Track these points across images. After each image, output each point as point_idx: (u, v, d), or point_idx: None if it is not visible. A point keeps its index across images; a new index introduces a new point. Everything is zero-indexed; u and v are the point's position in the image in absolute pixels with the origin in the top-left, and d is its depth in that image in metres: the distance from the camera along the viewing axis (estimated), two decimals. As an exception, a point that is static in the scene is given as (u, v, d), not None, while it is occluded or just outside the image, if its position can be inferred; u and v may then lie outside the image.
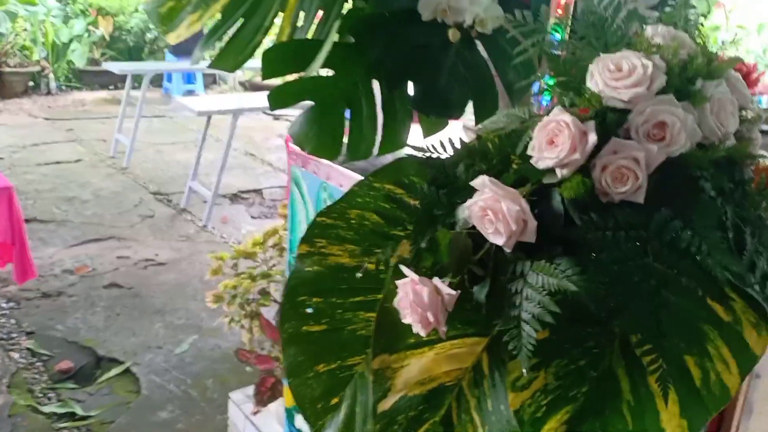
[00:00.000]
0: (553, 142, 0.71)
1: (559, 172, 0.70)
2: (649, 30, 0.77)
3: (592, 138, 0.68)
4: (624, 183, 0.68)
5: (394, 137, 1.17)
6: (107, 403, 2.48)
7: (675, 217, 0.68)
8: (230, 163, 5.01)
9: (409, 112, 1.18)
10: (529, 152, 0.72)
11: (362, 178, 0.81)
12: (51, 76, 8.69)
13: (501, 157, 0.75)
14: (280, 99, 1.15)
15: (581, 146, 0.69)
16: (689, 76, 0.72)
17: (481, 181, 0.68)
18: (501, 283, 0.69)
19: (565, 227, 0.68)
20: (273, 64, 1.12)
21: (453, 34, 1.11)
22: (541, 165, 0.71)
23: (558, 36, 0.93)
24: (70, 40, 8.93)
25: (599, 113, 0.72)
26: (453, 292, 0.67)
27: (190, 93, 8.63)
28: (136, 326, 3.02)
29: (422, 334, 0.68)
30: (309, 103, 1.17)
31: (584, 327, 0.68)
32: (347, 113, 1.17)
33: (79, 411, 2.39)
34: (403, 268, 0.69)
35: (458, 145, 0.76)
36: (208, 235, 4.30)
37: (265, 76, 1.13)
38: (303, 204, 1.41)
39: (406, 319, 0.68)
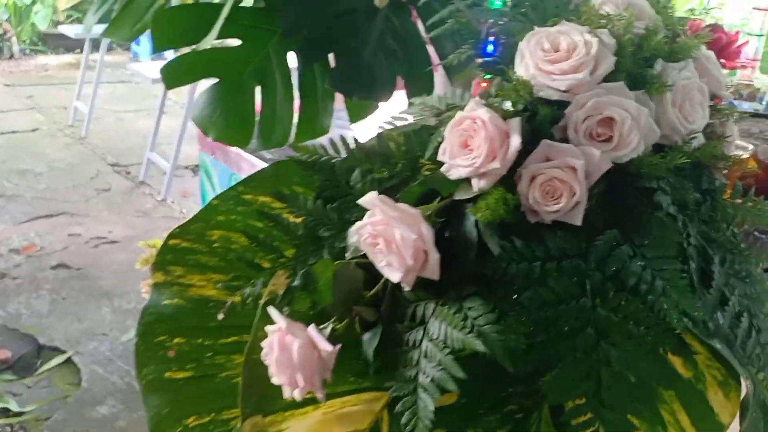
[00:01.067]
0: (468, 145, 0.54)
1: (476, 184, 0.54)
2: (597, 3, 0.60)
3: (515, 141, 0.52)
4: (557, 199, 0.52)
5: (314, 121, 0.99)
6: (45, 396, 2.32)
7: (622, 243, 0.53)
8: (192, 132, 4.79)
9: (332, 91, 1.00)
10: (440, 157, 0.56)
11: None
12: (14, 39, 8.32)
13: (407, 161, 0.59)
14: (175, 75, 0.97)
15: (502, 151, 0.53)
16: (646, 56, 0.56)
17: (369, 199, 0.52)
18: (397, 332, 0.53)
19: (479, 258, 0.52)
20: (166, 32, 0.94)
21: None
22: (454, 174, 0.54)
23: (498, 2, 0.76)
24: (33, 2, 8.53)
25: (529, 107, 0.55)
26: (330, 348, 0.51)
27: (159, 57, 8.30)
28: (82, 311, 2.85)
29: (296, 398, 0.52)
30: (212, 80, 0.99)
31: (504, 386, 0.53)
32: (259, 92, 0.99)
33: (13, 407, 2.23)
34: (272, 311, 0.53)
35: (354, 145, 0.59)
36: (166, 209, 4.10)
37: (157, 47, 0.95)
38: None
39: (275, 379, 0.52)
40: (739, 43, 1.16)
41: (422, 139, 0.59)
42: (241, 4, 0.97)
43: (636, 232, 0.53)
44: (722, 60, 1.17)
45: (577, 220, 0.52)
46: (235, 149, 1.12)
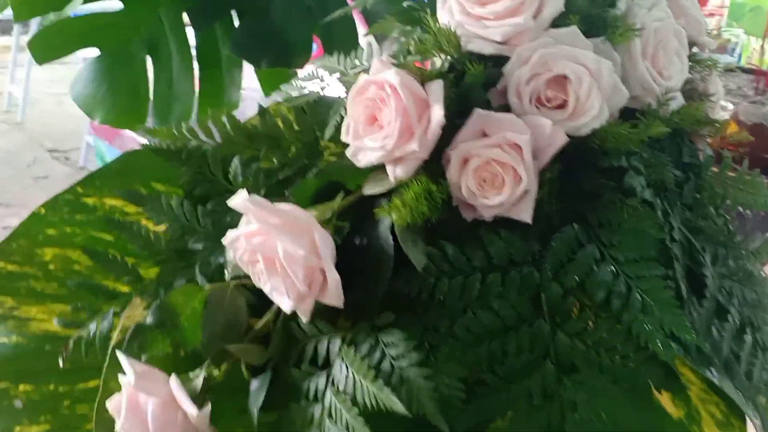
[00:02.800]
0: (376, 119, 0.40)
1: (391, 173, 0.40)
2: None
3: (437, 113, 0.38)
4: (499, 188, 0.39)
5: (219, 95, 0.84)
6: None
7: (586, 243, 0.40)
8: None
9: (240, 59, 0.85)
10: (344, 137, 0.41)
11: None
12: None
13: (303, 144, 0.44)
14: (46, 48, 0.80)
15: (421, 127, 0.39)
16: (607, -9, 0.42)
17: (238, 201, 0.38)
18: (293, 379, 0.39)
19: (398, 274, 0.39)
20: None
21: (286, -56, 0.78)
22: (362, 160, 0.40)
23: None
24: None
25: (455, 65, 0.41)
26: (197, 413, 0.37)
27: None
28: (15, 310, 2.65)
29: (159, 475, 0.38)
30: (93, 52, 0.82)
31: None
32: (151, 64, 0.83)
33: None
34: (121, 357, 0.38)
35: (230, 125, 0.45)
36: (107, 195, 3.88)
37: (17, 16, 0.78)
38: (115, 190, 1.08)
39: (130, 452, 0.38)
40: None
41: (320, 114, 0.44)
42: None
43: (603, 227, 0.40)
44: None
45: (526, 215, 0.39)
46: (130, 132, 0.95)
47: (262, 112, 0.44)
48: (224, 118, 0.44)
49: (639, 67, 0.42)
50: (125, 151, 0.47)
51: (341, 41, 0.81)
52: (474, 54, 0.41)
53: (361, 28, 0.81)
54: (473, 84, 0.40)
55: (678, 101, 0.44)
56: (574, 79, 0.39)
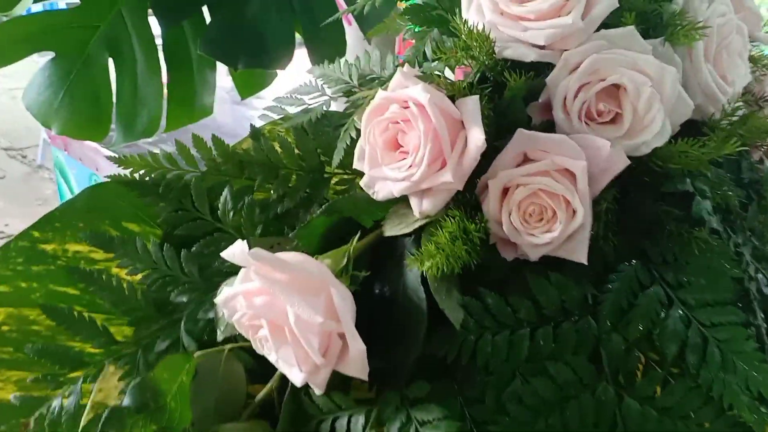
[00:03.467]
0: (398, 143, 0.33)
1: (417, 207, 0.33)
2: None
3: (476, 138, 0.31)
4: (548, 223, 0.32)
5: (190, 100, 0.76)
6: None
7: (649, 285, 0.33)
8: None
9: (212, 60, 0.76)
10: (356, 164, 0.34)
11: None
12: None
13: (305, 172, 0.37)
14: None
15: (455, 154, 0.32)
16: (662, -16, 0.36)
17: (238, 254, 0.30)
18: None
19: (431, 332, 0.32)
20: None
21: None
22: (380, 192, 0.33)
23: None
24: None
25: (489, 75, 0.34)
26: None
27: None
28: (-25, 321, 2.52)
29: None
30: (48, 56, 0.73)
31: None
32: (113, 66, 0.75)
33: None
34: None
35: (219, 151, 0.37)
36: (68, 194, 3.74)
37: (-44, 16, 0.68)
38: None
39: None
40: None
41: (325, 135, 0.37)
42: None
43: (667, 264, 0.34)
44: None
45: (581, 254, 0.32)
46: (91, 143, 0.87)
47: (256, 134, 0.37)
48: (210, 143, 0.36)
49: (702, 71, 0.35)
50: (90, 185, 0.39)
51: (327, 39, 0.73)
52: (511, 61, 0.34)
53: (348, 29, 0.74)
54: (513, 99, 0.33)
55: (739, 109, 0.38)
56: (631, 89, 0.33)
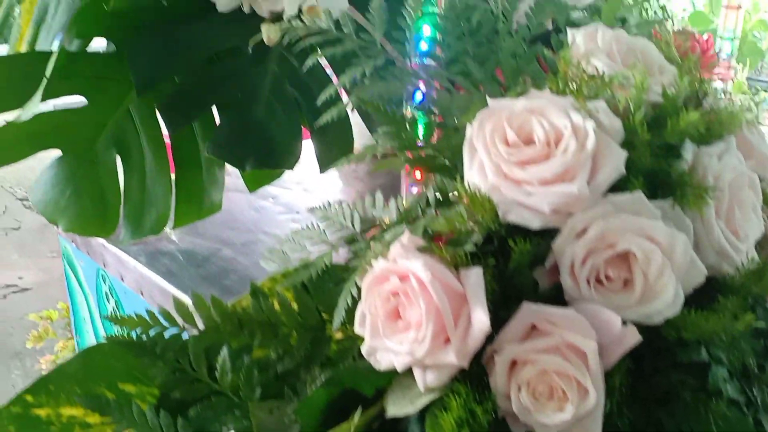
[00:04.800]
0: (399, 315, 0.32)
1: (421, 380, 0.32)
2: (578, 38, 0.39)
3: (480, 319, 0.30)
4: (559, 403, 0.31)
5: (199, 196, 0.76)
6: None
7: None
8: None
9: (220, 155, 0.76)
10: (358, 328, 0.33)
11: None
12: None
13: (304, 330, 0.36)
14: (2, 151, 0.71)
15: (459, 332, 0.31)
16: (671, 140, 0.35)
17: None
18: None
19: None
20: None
21: (269, 33, 0.70)
22: (382, 362, 0.32)
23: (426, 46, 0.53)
24: None
25: (490, 240, 0.33)
26: None
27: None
28: (-14, 377, 2.51)
29: None
30: (54, 153, 0.74)
31: None
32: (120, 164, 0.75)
33: None
34: None
35: (217, 311, 0.36)
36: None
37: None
38: (83, 294, 0.98)
39: None
40: (713, 50, 0.98)
41: (326, 292, 0.36)
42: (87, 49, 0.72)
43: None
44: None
45: (592, 433, 0.31)
46: (100, 239, 0.87)
47: (255, 292, 0.36)
48: (209, 302, 0.35)
49: (714, 231, 0.34)
50: (85, 347, 0.38)
51: (333, 136, 0.73)
52: (514, 226, 0.33)
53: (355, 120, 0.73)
54: (518, 266, 0.32)
55: (753, 260, 0.36)
56: (641, 257, 0.32)
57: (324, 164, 0.73)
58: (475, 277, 0.31)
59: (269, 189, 0.87)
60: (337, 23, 0.44)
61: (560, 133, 0.33)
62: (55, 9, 0.81)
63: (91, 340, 1.08)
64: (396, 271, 0.31)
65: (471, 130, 0.35)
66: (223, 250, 0.78)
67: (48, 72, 0.63)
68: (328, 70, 0.76)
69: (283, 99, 0.71)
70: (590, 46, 0.37)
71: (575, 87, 0.35)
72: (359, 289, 0.34)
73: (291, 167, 0.72)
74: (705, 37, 0.99)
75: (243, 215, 0.81)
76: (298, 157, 0.72)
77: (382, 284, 0.32)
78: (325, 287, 0.36)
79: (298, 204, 0.87)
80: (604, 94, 0.34)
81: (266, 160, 0.71)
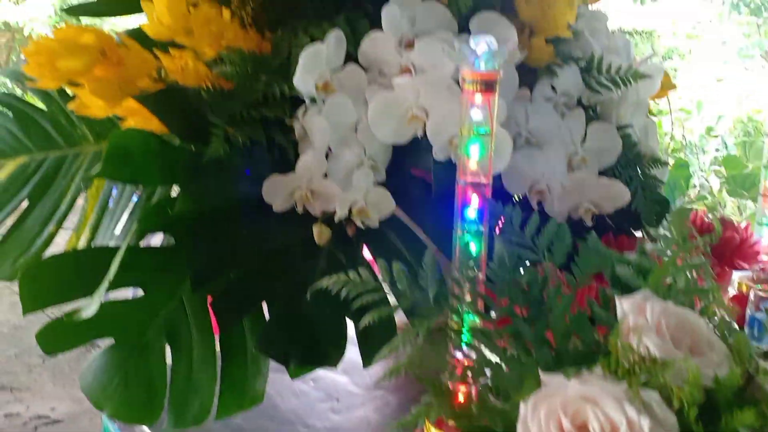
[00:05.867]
0: None
1: None
2: (626, 308, 0.39)
3: None
4: None
5: (243, 386, 0.76)
6: None
7: None
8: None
9: (266, 345, 0.78)
10: None
11: None
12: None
13: None
14: (56, 340, 0.74)
15: None
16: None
17: None
18: None
19: None
20: (39, 288, 0.72)
21: (320, 233, 0.73)
22: None
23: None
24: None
25: None
26: None
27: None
28: None
29: None
30: (107, 341, 0.76)
31: None
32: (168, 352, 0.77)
33: None
34: None
35: None
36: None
37: (26, 309, 0.73)
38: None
39: None
40: (753, 240, 0.98)
41: None
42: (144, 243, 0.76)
43: None
44: (738, 262, 0.99)
45: None
46: (144, 427, 0.87)
47: None
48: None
49: None
50: None
51: (379, 334, 0.74)
52: None
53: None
54: None
55: None
56: None
57: (367, 360, 0.74)
58: None
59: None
60: (391, 277, 0.46)
61: (616, 428, 0.33)
62: (119, 197, 0.87)
63: None
64: None
65: (525, 411, 0.35)
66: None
67: (114, 267, 0.66)
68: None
69: (330, 296, 0.73)
70: (639, 320, 0.38)
71: (628, 367, 0.35)
72: None
73: (335, 365, 0.72)
74: (743, 224, 1.00)
75: (283, 402, 0.81)
76: (342, 355, 0.73)
77: None
78: None
79: (338, 389, 0.87)
80: (657, 382, 0.35)
81: (311, 359, 0.72)
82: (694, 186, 3.19)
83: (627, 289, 0.44)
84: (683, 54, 4.90)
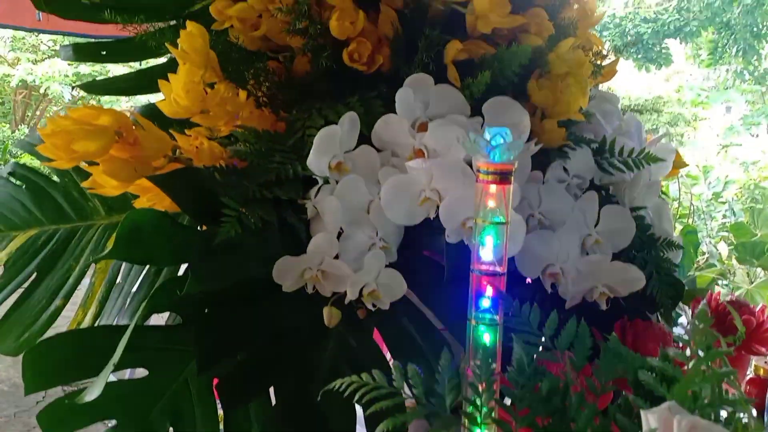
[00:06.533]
0: None
1: None
2: (652, 422, 0.38)
3: None
4: None
5: (245, 473, 0.73)
6: None
7: None
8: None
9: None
10: None
11: None
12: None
13: None
14: (57, 422, 0.72)
15: None
16: None
17: None
18: None
19: None
20: (43, 369, 0.71)
21: (330, 315, 0.72)
22: None
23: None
24: None
25: None
26: None
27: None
28: None
29: None
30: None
31: None
32: None
33: None
34: None
35: None
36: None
37: (29, 390, 0.71)
38: None
39: None
40: (771, 323, 0.96)
41: None
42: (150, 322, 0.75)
43: None
44: (755, 346, 0.97)
45: None
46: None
47: None
48: None
49: None
50: None
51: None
52: None
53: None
54: None
55: None
56: None
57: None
58: None
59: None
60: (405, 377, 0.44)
61: None
62: (127, 274, 0.86)
63: None
64: None
65: None
66: None
67: (120, 350, 0.65)
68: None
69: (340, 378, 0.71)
70: (667, 436, 0.36)
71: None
72: None
73: (345, 456, 0.70)
74: (759, 307, 0.98)
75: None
76: (351, 443, 0.70)
77: None
78: None
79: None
80: None
81: (318, 445, 0.69)
82: (703, 253, 3.17)
83: (649, 395, 0.42)
84: (689, 120, 4.96)
